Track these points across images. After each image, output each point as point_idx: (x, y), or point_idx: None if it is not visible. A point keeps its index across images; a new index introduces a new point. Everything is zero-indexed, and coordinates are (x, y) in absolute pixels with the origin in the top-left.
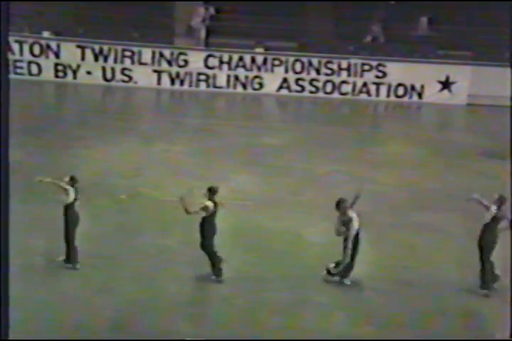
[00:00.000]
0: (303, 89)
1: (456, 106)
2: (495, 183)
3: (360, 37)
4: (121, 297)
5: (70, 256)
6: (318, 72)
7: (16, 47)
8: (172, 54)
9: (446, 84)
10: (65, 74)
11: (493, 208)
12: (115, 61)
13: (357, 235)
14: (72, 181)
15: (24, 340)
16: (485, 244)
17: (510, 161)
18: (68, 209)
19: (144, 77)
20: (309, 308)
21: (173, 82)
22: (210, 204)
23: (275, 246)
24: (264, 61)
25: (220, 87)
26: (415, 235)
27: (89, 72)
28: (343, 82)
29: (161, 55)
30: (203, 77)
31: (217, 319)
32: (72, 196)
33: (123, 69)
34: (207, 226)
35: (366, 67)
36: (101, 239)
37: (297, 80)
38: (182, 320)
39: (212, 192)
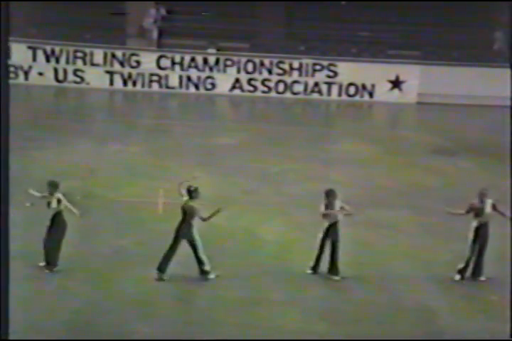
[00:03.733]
0: (255, 89)
1: (406, 105)
2: (446, 180)
3: (311, 37)
4: (77, 298)
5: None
6: (270, 72)
7: None
8: (124, 55)
9: (396, 83)
10: (17, 75)
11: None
12: (67, 62)
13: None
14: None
15: (24, 340)
16: None
17: (510, 160)
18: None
19: (96, 78)
20: (264, 306)
21: (125, 82)
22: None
23: (230, 244)
24: (217, 61)
25: (173, 88)
26: (369, 232)
27: (41, 73)
28: (295, 81)
29: (113, 56)
30: (155, 78)
31: (173, 318)
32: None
33: (75, 71)
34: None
35: (317, 67)
36: None
37: (249, 80)
38: (139, 320)
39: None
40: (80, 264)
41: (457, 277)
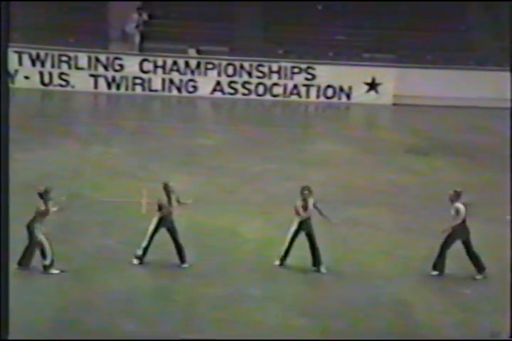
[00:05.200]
0: (236, 91)
1: (382, 106)
2: (421, 178)
3: (288, 41)
4: (62, 297)
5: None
6: (250, 75)
7: None
8: (108, 59)
9: (372, 86)
10: None
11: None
12: (52, 66)
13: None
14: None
15: (24, 340)
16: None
17: (510, 160)
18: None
19: (81, 81)
20: (245, 302)
21: (109, 86)
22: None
23: (212, 242)
24: (198, 65)
25: (156, 91)
26: (346, 229)
27: (27, 77)
28: (275, 84)
29: (97, 59)
30: (138, 81)
31: (158, 315)
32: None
33: (60, 74)
34: None
35: (296, 70)
36: None
37: (230, 83)
38: (124, 317)
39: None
40: (65, 263)
41: (434, 272)
